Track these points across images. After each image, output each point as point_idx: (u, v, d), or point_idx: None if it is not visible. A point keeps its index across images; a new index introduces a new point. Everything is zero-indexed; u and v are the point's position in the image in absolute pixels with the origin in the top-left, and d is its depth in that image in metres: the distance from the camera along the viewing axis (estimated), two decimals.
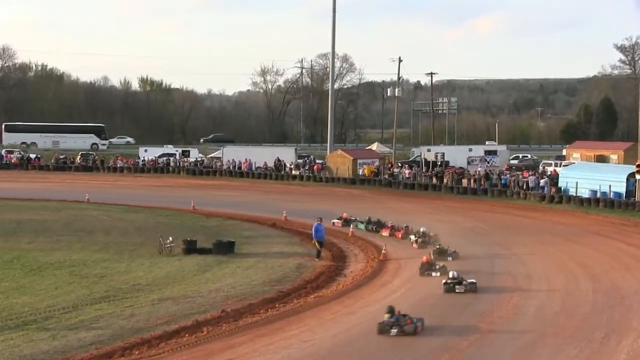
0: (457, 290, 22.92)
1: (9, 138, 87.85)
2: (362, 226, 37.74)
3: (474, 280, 23.44)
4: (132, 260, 27.93)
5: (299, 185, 60.13)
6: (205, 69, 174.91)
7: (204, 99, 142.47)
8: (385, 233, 35.54)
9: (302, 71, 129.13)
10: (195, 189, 54.79)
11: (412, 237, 33.06)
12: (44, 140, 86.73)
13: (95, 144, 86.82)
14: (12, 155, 73.04)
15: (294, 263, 27.81)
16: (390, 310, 18.81)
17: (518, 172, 56.69)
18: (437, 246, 30.03)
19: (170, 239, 29.95)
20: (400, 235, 34.36)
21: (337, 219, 39.37)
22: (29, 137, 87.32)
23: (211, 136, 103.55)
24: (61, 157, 72.72)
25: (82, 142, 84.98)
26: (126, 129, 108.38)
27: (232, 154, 69.11)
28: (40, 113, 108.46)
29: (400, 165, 64.42)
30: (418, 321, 18.57)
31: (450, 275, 23.85)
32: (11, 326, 18.68)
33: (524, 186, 51.06)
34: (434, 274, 25.80)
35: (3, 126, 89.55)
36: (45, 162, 71.92)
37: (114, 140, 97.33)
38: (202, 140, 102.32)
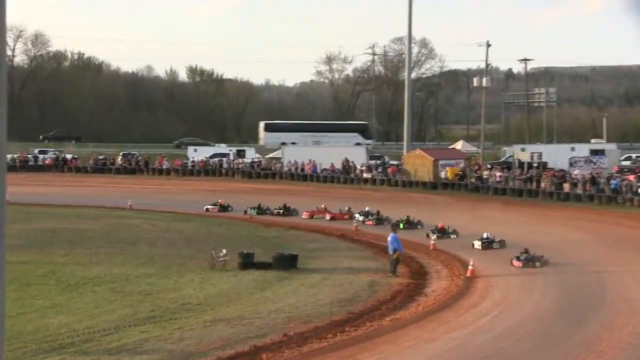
0: (493, 247, 34.34)
1: (269, 137, 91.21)
2: (253, 211, 45.43)
3: (503, 239, 34.95)
4: (181, 276, 28.23)
5: (371, 190, 60.11)
6: (263, 57, 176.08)
7: (261, 90, 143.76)
8: (306, 216, 43.90)
9: (373, 58, 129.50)
10: (251, 194, 55.16)
11: (358, 216, 42.80)
12: (305, 140, 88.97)
13: (359, 143, 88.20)
14: (45, 156, 74.67)
15: (366, 280, 27.78)
16: (526, 250, 30.77)
17: (631, 175, 55.64)
18: (405, 218, 40.75)
19: (224, 251, 30.20)
20: (347, 217, 43.41)
21: (212, 205, 47.71)
22: (289, 137, 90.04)
23: (52, 132, 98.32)
24: (100, 157, 74.02)
25: (345, 141, 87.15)
26: (173, 125, 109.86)
27: (294, 154, 69.52)
28: (76, 107, 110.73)
29: (489, 167, 63.93)
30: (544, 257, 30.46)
31: (484, 236, 34.94)
32: (46, 349, 18.99)
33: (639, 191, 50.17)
34: (452, 236, 37.41)
35: (262, 125, 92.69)
36: (82, 163, 73.32)
37: None
38: (41, 137, 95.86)
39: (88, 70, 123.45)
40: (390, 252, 29.48)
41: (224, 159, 72.09)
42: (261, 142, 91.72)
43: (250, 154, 75.80)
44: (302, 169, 66.91)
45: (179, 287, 26.37)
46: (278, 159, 71.67)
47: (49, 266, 29.65)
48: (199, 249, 33.45)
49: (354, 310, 23.42)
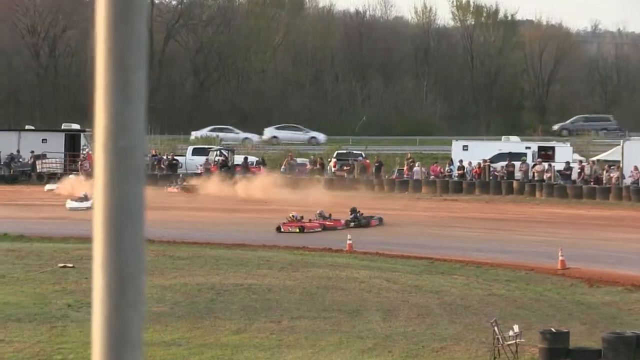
0: None
1: None
2: None
3: None
4: None
5: None
6: None
7: (583, 40, 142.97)
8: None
9: None
10: (566, 226, 54.77)
11: None
12: None
13: None
14: (209, 159, 76.66)
15: None
16: None
17: None
18: None
19: (516, 328, 29.99)
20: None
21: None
22: None
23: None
24: (298, 161, 75.34)
25: None
26: (428, 100, 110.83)
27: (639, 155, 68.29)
28: (258, 72, 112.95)
29: None
30: None
31: None
32: None
33: None
34: None
35: None
36: (270, 168, 75.03)
37: None
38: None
39: (279, 8, 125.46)
40: None
41: (517, 163, 71.43)
42: None
43: (565, 154, 74.49)
44: None
45: None
46: (615, 162, 70.38)
47: (211, 350, 30.47)
48: (470, 324, 33.54)
49: None
